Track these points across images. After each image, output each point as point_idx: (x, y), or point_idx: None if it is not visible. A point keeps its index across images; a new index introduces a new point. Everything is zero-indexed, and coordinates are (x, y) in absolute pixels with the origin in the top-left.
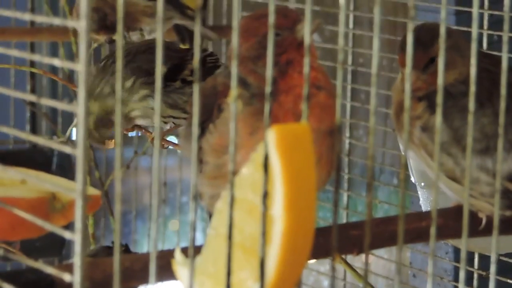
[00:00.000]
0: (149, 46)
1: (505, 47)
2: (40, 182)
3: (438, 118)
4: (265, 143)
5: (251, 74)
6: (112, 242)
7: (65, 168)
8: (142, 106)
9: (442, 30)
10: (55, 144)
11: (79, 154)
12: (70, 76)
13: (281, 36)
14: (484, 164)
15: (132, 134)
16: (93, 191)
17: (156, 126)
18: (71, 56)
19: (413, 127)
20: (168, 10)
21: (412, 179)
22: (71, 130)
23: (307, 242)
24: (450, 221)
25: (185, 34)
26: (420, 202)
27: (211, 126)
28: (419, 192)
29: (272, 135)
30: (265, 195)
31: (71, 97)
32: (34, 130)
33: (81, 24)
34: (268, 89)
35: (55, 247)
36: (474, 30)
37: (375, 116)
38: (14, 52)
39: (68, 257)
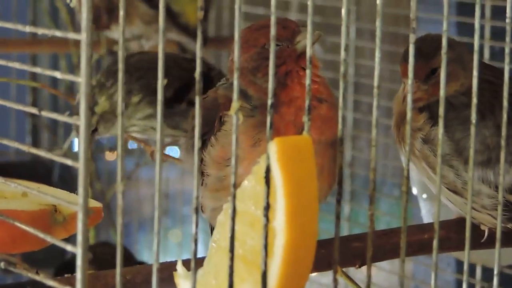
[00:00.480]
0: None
1: (507, 58)
2: (41, 195)
3: (440, 130)
4: (267, 156)
5: (251, 86)
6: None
7: (66, 179)
8: (144, 124)
9: (444, 42)
10: (56, 157)
11: (80, 167)
12: (71, 88)
13: (280, 47)
14: (485, 177)
15: (133, 146)
16: (94, 204)
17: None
18: (72, 67)
19: (414, 139)
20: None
21: (414, 190)
22: (71, 141)
23: (309, 254)
24: (452, 233)
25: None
26: (422, 214)
27: (212, 139)
28: (420, 204)
29: (273, 148)
30: (267, 208)
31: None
32: (35, 142)
33: (82, 36)
34: (270, 101)
35: (56, 259)
36: (476, 42)
37: (377, 127)
38: (15, 65)
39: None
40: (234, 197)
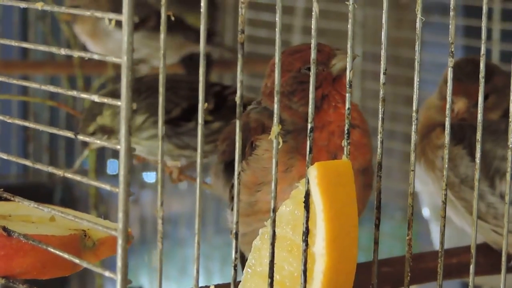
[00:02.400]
0: (171, 85)
1: None
2: (75, 219)
3: (477, 154)
4: (306, 180)
5: (285, 110)
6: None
7: (67, 201)
8: (149, 144)
9: (482, 65)
10: (93, 182)
11: (120, 191)
12: (73, 107)
13: (316, 71)
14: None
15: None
16: (106, 224)
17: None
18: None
19: (435, 156)
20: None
21: (425, 213)
22: (81, 161)
23: (349, 280)
24: (479, 257)
25: (191, 67)
26: (432, 236)
27: (244, 163)
28: (431, 228)
29: (314, 172)
30: (306, 233)
31: (75, 128)
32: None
33: (123, 60)
34: (310, 125)
35: (58, 283)
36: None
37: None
38: (35, 85)
39: None
40: (274, 222)
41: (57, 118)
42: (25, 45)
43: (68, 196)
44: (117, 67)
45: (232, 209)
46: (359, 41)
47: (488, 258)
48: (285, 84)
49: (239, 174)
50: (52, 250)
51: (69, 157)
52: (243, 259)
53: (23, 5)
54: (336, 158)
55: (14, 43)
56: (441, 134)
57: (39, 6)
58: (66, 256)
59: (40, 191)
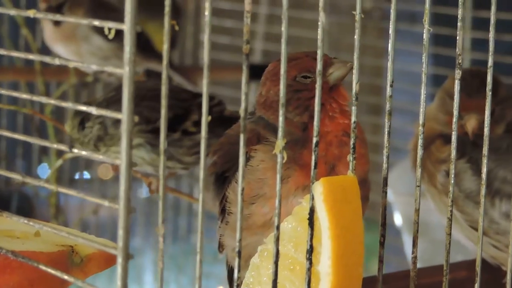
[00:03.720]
0: (154, 94)
1: None
2: (69, 236)
3: (483, 169)
4: (311, 196)
5: None
6: None
7: (25, 211)
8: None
9: (489, 77)
10: (95, 199)
11: (121, 207)
12: (55, 113)
13: (312, 79)
14: None
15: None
16: (112, 244)
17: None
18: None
19: (437, 171)
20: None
21: (398, 223)
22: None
23: None
24: (473, 273)
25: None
26: (405, 248)
27: (238, 175)
28: (404, 239)
29: (319, 188)
30: (311, 251)
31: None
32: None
33: (125, 70)
34: (315, 139)
35: None
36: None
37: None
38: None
39: None
40: (278, 239)
41: (15, 125)
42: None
43: (25, 205)
44: (81, 74)
45: (221, 222)
46: (325, 49)
47: (483, 274)
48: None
49: (242, 190)
50: (43, 267)
51: (26, 165)
52: (231, 273)
53: (13, 12)
54: (334, 169)
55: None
56: (441, 146)
57: (31, 14)
58: (58, 274)
59: None
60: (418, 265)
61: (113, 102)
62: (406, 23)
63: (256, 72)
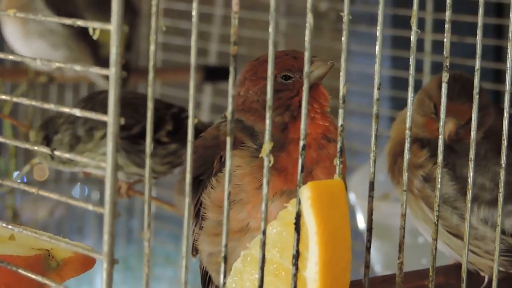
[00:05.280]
0: (130, 102)
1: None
2: (51, 241)
3: (470, 173)
4: (298, 201)
5: (260, 121)
6: None
7: None
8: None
9: (476, 81)
10: (80, 203)
11: (106, 212)
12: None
13: (293, 79)
14: (491, 218)
15: None
16: (86, 247)
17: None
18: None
19: (414, 176)
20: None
21: (360, 227)
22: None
23: None
24: (452, 279)
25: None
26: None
27: (213, 180)
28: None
29: (306, 193)
30: (297, 256)
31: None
32: None
33: (111, 71)
34: (302, 142)
35: None
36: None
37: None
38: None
39: None
40: (264, 244)
41: None
42: None
43: None
44: (33, 74)
45: (195, 226)
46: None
47: (460, 280)
48: (259, 93)
49: (229, 193)
50: (22, 271)
51: None
52: (205, 277)
53: None
54: (311, 173)
55: None
56: (418, 151)
57: (10, 13)
58: (39, 278)
59: None
60: (381, 269)
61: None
62: (364, 25)
63: (211, 73)
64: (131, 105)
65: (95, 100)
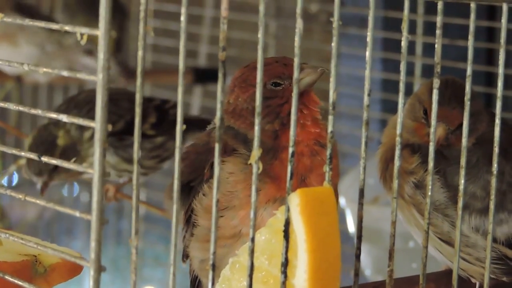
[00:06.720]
0: (110, 97)
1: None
2: (37, 247)
3: (461, 180)
4: (286, 208)
5: (251, 128)
6: None
7: None
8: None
9: (468, 87)
10: (65, 209)
11: (93, 219)
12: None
13: (283, 86)
14: (482, 226)
15: None
16: (73, 254)
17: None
18: None
19: (405, 182)
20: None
21: (350, 230)
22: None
23: None
24: (442, 285)
25: None
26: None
27: (205, 187)
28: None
29: (296, 200)
30: (285, 264)
31: None
32: None
33: (98, 77)
34: (291, 149)
35: None
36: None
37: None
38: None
39: None
40: (252, 252)
41: None
42: None
43: None
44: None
45: (186, 232)
46: (272, 53)
47: (450, 287)
48: (249, 100)
49: (217, 201)
50: (9, 278)
51: None
52: (195, 282)
53: None
54: (304, 180)
55: None
56: (409, 157)
57: None
58: (26, 285)
59: None
60: (371, 273)
61: (66, 109)
62: (355, 27)
63: (201, 75)
64: (112, 100)
65: (77, 100)
